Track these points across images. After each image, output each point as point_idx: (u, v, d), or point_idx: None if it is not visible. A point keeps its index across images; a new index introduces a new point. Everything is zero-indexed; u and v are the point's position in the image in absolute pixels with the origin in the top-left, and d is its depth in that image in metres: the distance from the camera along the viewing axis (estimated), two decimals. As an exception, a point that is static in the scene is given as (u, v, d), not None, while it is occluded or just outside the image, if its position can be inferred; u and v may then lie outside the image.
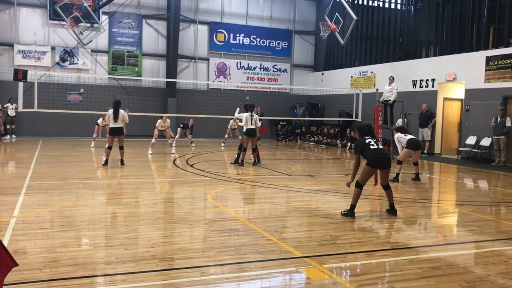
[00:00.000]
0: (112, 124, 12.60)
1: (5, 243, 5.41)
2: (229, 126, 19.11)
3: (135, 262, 4.93)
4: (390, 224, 7.23)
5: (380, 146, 7.48)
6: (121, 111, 12.68)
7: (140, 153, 16.40)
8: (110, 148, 12.56)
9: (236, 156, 13.79)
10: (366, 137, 7.51)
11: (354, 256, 5.39)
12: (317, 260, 5.15)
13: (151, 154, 15.60)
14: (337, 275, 4.72)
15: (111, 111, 12.67)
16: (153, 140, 16.14)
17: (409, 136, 11.51)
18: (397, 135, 11.82)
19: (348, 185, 7.54)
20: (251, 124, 13.43)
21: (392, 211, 7.62)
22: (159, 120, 16.59)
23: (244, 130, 13.54)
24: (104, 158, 12.63)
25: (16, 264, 3.14)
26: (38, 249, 5.29)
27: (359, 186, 7.36)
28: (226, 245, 5.63)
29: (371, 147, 7.35)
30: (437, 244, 6.17)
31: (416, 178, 11.49)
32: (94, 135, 17.80)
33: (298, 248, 5.56)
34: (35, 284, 4.25)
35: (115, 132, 12.58)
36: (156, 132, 16.49)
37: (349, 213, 7.31)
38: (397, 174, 11.18)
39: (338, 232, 6.43)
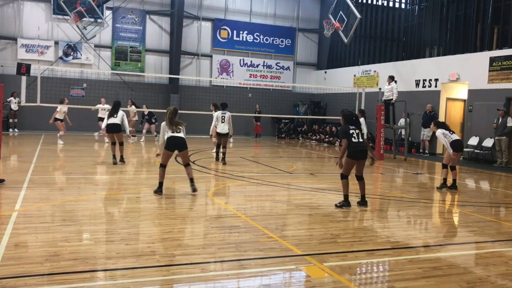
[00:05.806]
0: (110, 120, 12.12)
1: (7, 236, 5.43)
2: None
3: (136, 257, 4.93)
4: (391, 223, 7.24)
5: (361, 140, 7.79)
6: (121, 112, 12.22)
7: (143, 148, 16.40)
8: (114, 143, 12.35)
9: (222, 155, 13.20)
10: (351, 127, 7.82)
11: (355, 255, 5.39)
12: (318, 258, 5.15)
13: (213, 152, 14.27)
14: (337, 274, 4.72)
15: (108, 106, 12.24)
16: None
17: (455, 136, 10.30)
18: (442, 131, 10.32)
19: (338, 165, 7.88)
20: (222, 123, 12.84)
21: (362, 202, 7.96)
22: (212, 107, 14.73)
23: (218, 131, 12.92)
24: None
25: None
26: (39, 243, 5.30)
27: (344, 177, 7.85)
28: (227, 242, 5.64)
29: (353, 139, 7.70)
30: (438, 244, 6.17)
31: (447, 185, 10.42)
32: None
33: (299, 246, 5.57)
34: (36, 278, 4.26)
35: (112, 129, 12.11)
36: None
37: (345, 204, 7.76)
38: (454, 180, 10.33)
39: (339, 231, 6.43)
